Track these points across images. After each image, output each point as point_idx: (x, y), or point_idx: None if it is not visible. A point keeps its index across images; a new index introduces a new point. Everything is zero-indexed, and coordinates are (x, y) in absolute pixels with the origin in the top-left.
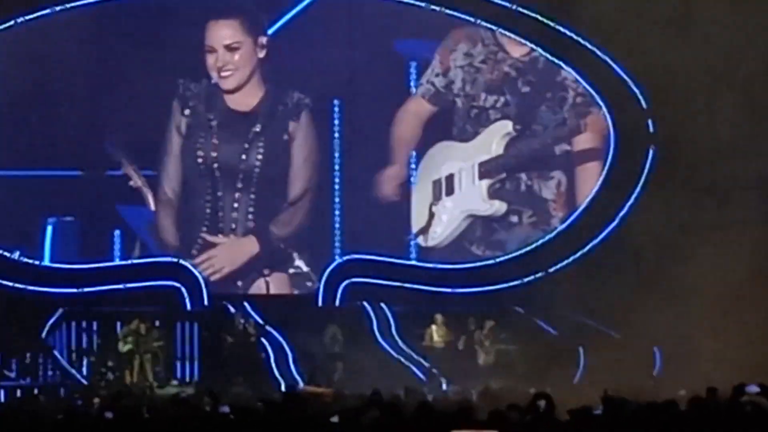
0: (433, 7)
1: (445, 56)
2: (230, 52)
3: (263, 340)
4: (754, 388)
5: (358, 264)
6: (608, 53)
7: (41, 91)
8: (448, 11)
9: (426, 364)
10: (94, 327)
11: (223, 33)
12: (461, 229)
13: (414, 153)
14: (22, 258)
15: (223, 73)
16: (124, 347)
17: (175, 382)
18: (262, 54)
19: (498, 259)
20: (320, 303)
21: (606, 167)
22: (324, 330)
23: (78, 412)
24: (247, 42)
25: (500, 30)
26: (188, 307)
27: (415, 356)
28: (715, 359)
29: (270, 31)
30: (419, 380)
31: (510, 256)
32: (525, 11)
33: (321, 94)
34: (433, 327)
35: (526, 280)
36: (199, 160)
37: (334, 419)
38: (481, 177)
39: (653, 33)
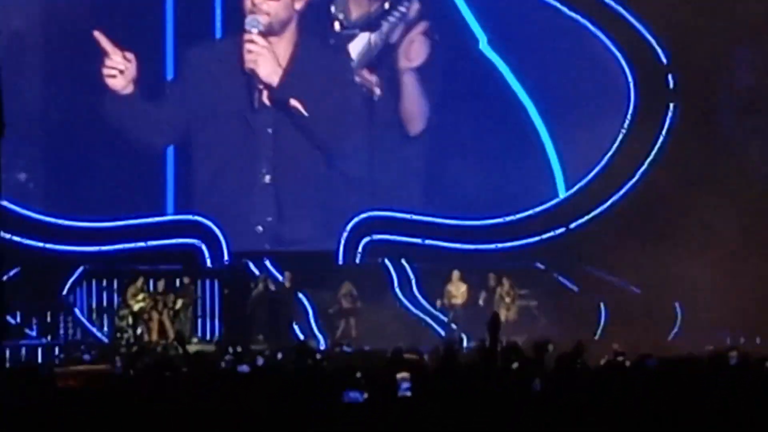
0: None
1: None
2: None
3: (284, 297)
4: None
5: (377, 221)
6: (628, 9)
7: None
8: None
9: (446, 320)
10: (115, 285)
11: None
12: None
13: None
14: None
15: None
16: (135, 306)
17: (195, 340)
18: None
19: (519, 215)
20: (341, 260)
21: (626, 123)
22: (339, 286)
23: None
24: None
25: None
26: (209, 264)
27: (435, 313)
28: (737, 314)
29: None
30: (440, 337)
31: (531, 212)
32: None
33: None
34: (453, 283)
35: (546, 236)
36: None
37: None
38: None
39: None
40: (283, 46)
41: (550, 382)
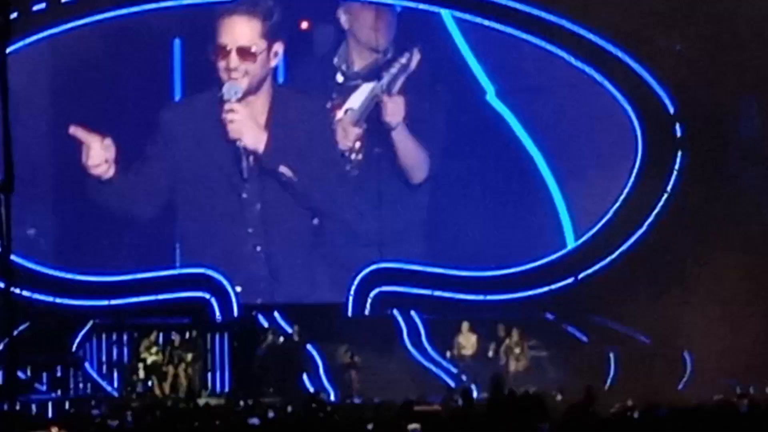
0: None
1: None
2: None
3: (294, 349)
4: None
5: (386, 272)
6: (635, 59)
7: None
8: None
9: (456, 372)
10: (125, 339)
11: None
12: None
13: None
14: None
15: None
16: (148, 359)
17: (206, 393)
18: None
19: (527, 266)
20: (350, 312)
21: (634, 172)
22: (338, 346)
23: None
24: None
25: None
26: (218, 317)
27: (445, 364)
28: (746, 362)
29: None
30: (449, 388)
31: (539, 262)
32: (548, 15)
33: None
34: (461, 334)
35: (555, 286)
36: None
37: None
38: None
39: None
40: (260, 107)
41: (560, 429)
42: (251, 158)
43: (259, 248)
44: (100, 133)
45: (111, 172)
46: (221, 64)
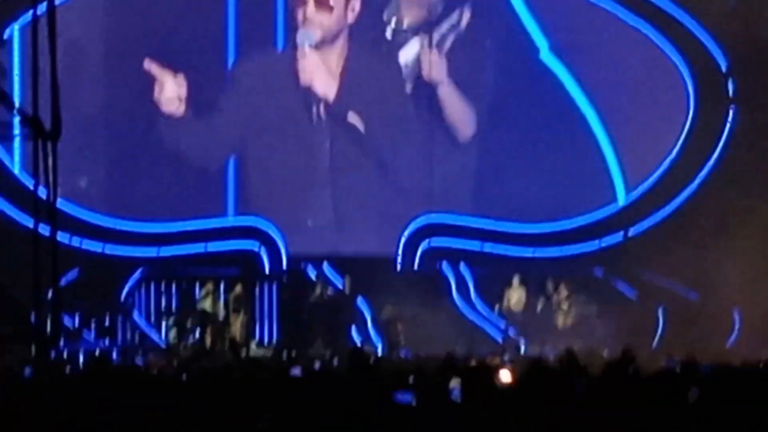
0: None
1: None
2: None
3: (342, 302)
4: None
5: (436, 226)
6: (688, 14)
7: None
8: None
9: (504, 327)
10: (173, 289)
11: None
12: None
13: None
14: None
15: None
16: (200, 309)
17: (254, 345)
18: None
19: (577, 221)
20: (399, 266)
21: (686, 128)
22: (384, 302)
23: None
24: None
25: None
26: (267, 269)
27: (493, 319)
28: None
29: None
30: (497, 343)
31: (589, 218)
32: None
33: None
34: (511, 289)
35: (604, 242)
36: None
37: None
38: None
39: None
40: (335, 58)
41: (595, 387)
42: (321, 105)
43: (322, 198)
44: (175, 69)
45: (182, 110)
46: (298, 13)
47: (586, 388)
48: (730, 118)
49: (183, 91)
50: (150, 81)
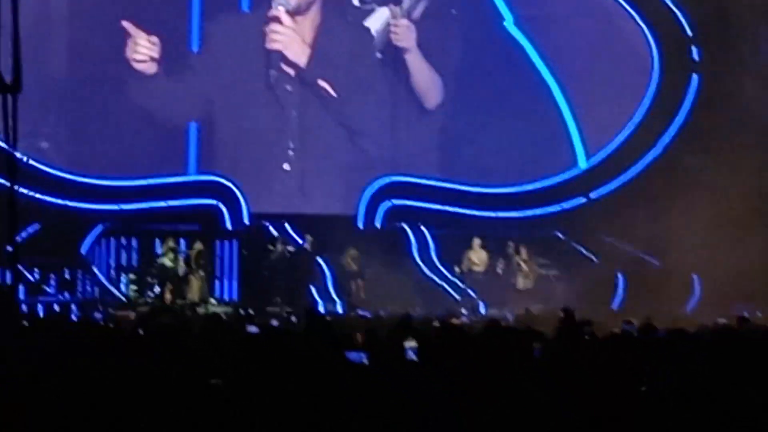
0: None
1: None
2: None
3: (302, 260)
4: None
5: (398, 186)
6: None
7: None
8: None
9: (464, 288)
10: (134, 244)
11: None
12: None
13: None
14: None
15: None
16: (161, 264)
17: (213, 302)
18: None
19: (539, 184)
20: (361, 225)
21: (649, 93)
22: (344, 251)
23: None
24: None
25: None
26: (228, 225)
27: (453, 279)
28: (755, 287)
29: None
30: (456, 303)
31: (551, 181)
32: None
33: None
34: (472, 250)
35: (566, 205)
36: None
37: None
38: None
39: None
40: (308, 25)
41: (551, 348)
42: (291, 69)
43: (288, 160)
44: (146, 30)
45: (153, 70)
46: None
47: (543, 350)
48: (693, 84)
49: (156, 51)
50: (117, 40)
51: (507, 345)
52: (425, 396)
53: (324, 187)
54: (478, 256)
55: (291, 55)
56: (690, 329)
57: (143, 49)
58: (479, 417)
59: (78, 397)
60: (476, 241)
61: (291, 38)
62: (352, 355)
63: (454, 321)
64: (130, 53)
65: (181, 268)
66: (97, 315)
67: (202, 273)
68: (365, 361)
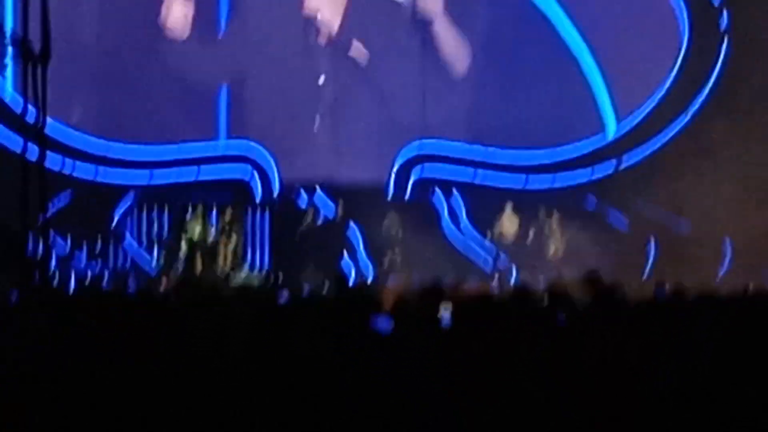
0: None
1: None
2: None
3: (334, 228)
4: None
5: (428, 155)
6: None
7: None
8: None
9: (494, 255)
10: (165, 214)
11: None
12: None
13: None
14: None
15: None
16: (191, 234)
17: (244, 272)
18: None
19: (569, 152)
20: (391, 192)
21: (678, 60)
22: (384, 217)
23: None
24: None
25: None
26: (259, 193)
27: (484, 246)
28: None
29: None
30: (486, 272)
31: (582, 147)
32: None
33: None
34: (503, 218)
35: (597, 171)
36: None
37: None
38: None
39: None
40: None
41: (577, 316)
42: (324, 35)
43: (320, 126)
44: None
45: (186, 33)
46: None
47: (569, 318)
48: (722, 51)
49: (190, 14)
50: (148, 4)
51: (531, 313)
52: (452, 364)
53: (355, 154)
54: (509, 223)
55: (323, 18)
56: (721, 295)
57: (179, 12)
58: (501, 387)
59: (107, 370)
60: (508, 208)
61: (324, 2)
62: (378, 323)
63: (485, 288)
64: (164, 17)
65: (212, 238)
66: (131, 286)
67: (233, 242)
68: (391, 328)
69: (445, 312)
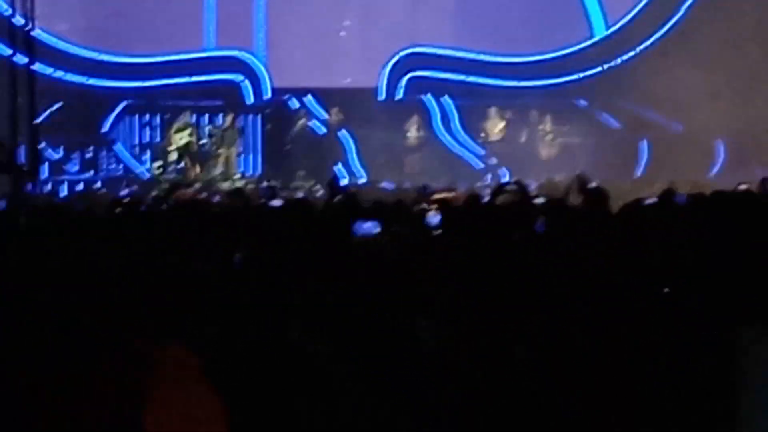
0: None
1: None
2: None
3: (326, 133)
4: None
5: (419, 57)
6: None
7: None
8: None
9: (486, 157)
10: (157, 121)
11: None
12: None
13: None
14: None
15: None
16: (182, 140)
17: (237, 176)
18: None
19: (561, 53)
20: (382, 96)
21: None
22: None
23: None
24: None
25: None
26: (250, 100)
27: (475, 149)
28: None
29: None
30: (479, 173)
31: (573, 49)
32: None
33: None
34: (495, 120)
35: (586, 73)
36: None
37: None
38: None
39: None
40: None
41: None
42: None
43: (309, 33)
44: None
45: None
46: None
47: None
48: None
49: None
50: None
51: (507, 218)
52: (440, 268)
53: (345, 60)
54: (500, 126)
55: None
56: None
57: None
58: (488, 293)
59: (98, 274)
60: (492, 111)
61: None
62: (364, 224)
63: (476, 191)
64: None
65: (203, 144)
66: (123, 192)
67: (225, 148)
68: (376, 230)
69: (434, 213)
